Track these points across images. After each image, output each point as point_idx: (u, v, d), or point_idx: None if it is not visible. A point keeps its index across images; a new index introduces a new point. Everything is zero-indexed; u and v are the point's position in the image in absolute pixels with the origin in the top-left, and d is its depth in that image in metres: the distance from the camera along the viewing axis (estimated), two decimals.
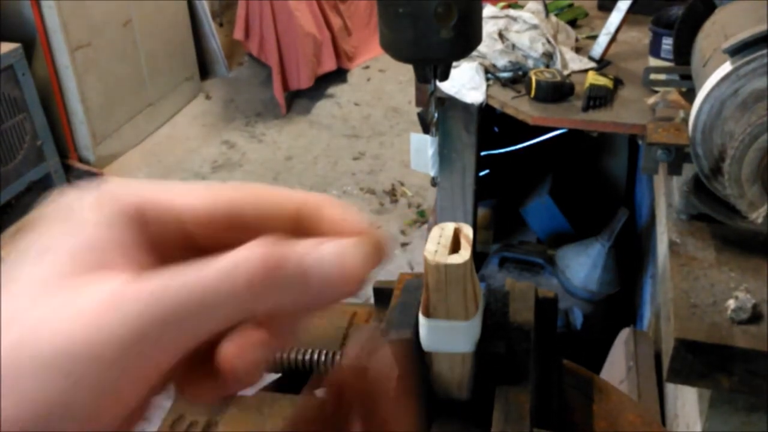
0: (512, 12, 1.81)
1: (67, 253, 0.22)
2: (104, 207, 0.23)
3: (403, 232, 2.78)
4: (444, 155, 1.89)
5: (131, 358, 0.20)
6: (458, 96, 1.68)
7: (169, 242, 0.24)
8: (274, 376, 0.76)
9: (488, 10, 1.81)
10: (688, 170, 1.01)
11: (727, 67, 0.89)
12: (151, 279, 0.21)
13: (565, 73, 1.67)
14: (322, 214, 0.25)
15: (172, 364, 0.21)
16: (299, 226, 0.24)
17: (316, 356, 0.68)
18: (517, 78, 1.68)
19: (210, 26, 3.79)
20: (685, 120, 1.02)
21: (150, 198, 0.24)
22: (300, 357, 0.67)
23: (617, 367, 1.43)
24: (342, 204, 0.25)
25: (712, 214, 1.00)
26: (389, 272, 0.62)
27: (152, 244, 0.24)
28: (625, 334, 1.49)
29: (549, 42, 1.72)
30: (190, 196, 0.24)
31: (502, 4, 1.91)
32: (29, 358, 0.19)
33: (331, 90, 3.83)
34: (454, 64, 1.49)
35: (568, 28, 1.89)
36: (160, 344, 0.20)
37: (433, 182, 1.93)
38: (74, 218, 0.23)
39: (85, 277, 0.21)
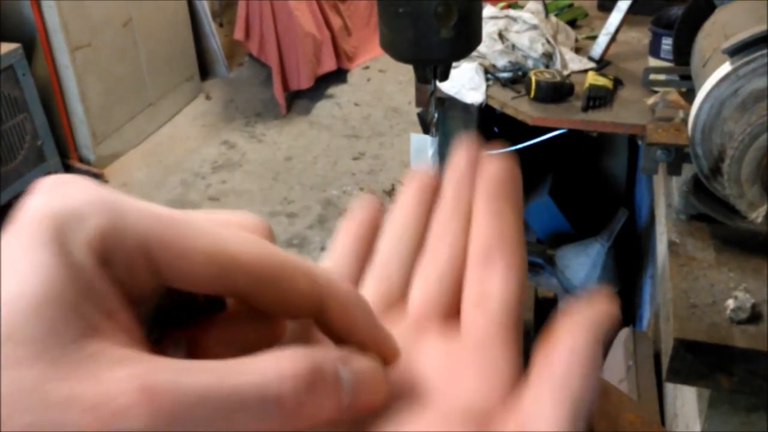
0: (512, 12, 1.81)
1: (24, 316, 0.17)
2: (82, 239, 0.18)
3: None
4: (444, 155, 1.89)
5: None
6: (458, 96, 1.68)
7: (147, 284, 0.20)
8: None
9: (488, 11, 1.82)
10: (688, 170, 1.01)
11: (726, 67, 0.89)
12: (167, 371, 0.18)
13: (565, 73, 1.67)
14: (341, 312, 0.22)
15: None
16: (311, 312, 0.21)
17: None
18: (516, 78, 1.68)
19: (210, 26, 3.79)
20: (685, 120, 1.02)
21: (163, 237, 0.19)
22: None
23: (617, 367, 1.43)
24: (364, 307, 0.22)
25: (711, 214, 1.00)
26: None
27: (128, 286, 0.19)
28: (624, 334, 1.49)
29: (549, 42, 1.72)
30: (239, 245, 0.20)
31: (501, 4, 1.91)
32: None
33: (331, 90, 3.83)
34: (454, 64, 1.49)
35: (568, 28, 1.89)
36: None
37: None
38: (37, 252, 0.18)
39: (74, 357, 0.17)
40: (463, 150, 0.28)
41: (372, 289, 0.26)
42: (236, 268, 0.20)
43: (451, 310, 0.25)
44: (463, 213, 0.26)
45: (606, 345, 0.21)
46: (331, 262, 0.27)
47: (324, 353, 0.19)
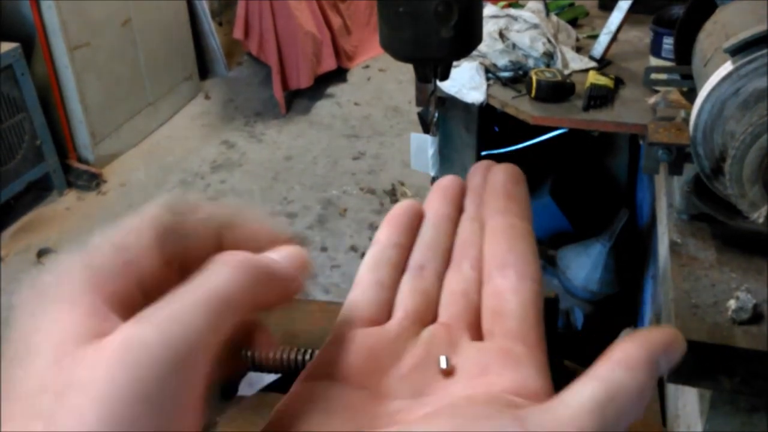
0: (513, 11, 1.80)
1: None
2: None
3: None
4: (444, 155, 1.89)
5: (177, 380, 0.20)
6: (458, 96, 1.67)
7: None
8: (274, 376, 0.75)
9: (489, 10, 1.81)
10: (689, 170, 1.01)
11: (728, 66, 0.89)
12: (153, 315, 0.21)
13: (566, 72, 1.67)
14: (240, 229, 0.26)
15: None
16: (219, 242, 0.25)
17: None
18: (517, 77, 1.68)
19: (209, 25, 3.78)
20: (686, 120, 1.01)
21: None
22: (300, 357, 0.67)
23: None
24: (256, 216, 0.26)
25: (713, 214, 1.00)
26: None
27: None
28: (626, 334, 1.49)
29: (549, 41, 1.72)
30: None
31: (502, 3, 1.91)
32: None
33: (330, 89, 3.82)
34: (455, 63, 1.48)
35: (569, 27, 1.88)
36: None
37: (434, 182, 1.93)
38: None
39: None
40: (478, 166, 0.31)
41: (411, 302, 0.28)
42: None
43: (475, 320, 0.27)
44: (482, 224, 0.29)
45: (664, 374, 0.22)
46: (377, 248, 0.29)
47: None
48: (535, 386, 0.23)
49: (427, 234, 0.29)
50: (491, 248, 0.28)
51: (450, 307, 0.27)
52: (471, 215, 0.30)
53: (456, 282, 0.28)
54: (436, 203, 0.30)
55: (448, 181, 0.31)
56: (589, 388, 0.21)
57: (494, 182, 0.29)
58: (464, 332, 0.26)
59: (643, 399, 0.21)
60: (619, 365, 0.21)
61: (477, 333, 0.26)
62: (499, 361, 0.24)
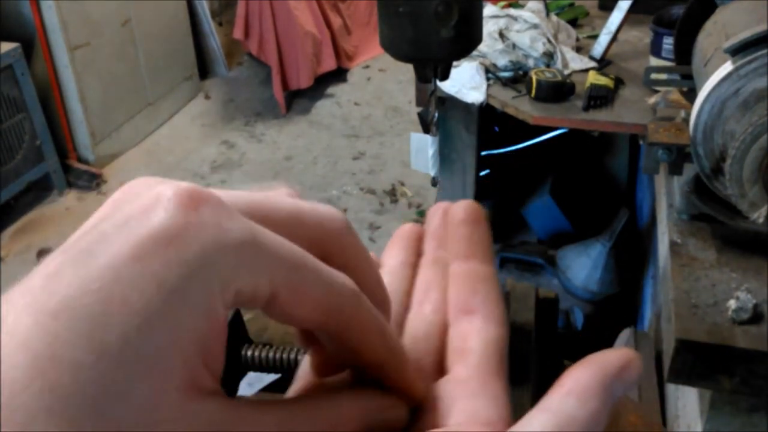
0: (513, 11, 1.80)
1: None
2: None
3: None
4: (444, 155, 1.89)
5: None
6: (459, 96, 1.67)
7: None
8: (273, 377, 0.75)
9: (489, 10, 1.81)
10: (689, 170, 1.01)
11: (728, 66, 0.89)
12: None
13: (566, 72, 1.67)
14: (395, 370, 0.24)
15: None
16: (376, 364, 0.24)
17: None
18: (517, 77, 1.68)
19: (209, 25, 3.78)
20: (686, 120, 1.01)
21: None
22: (300, 357, 0.67)
23: None
24: (411, 369, 0.25)
25: (713, 214, 1.00)
26: None
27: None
28: (625, 334, 1.49)
29: (549, 41, 1.72)
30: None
31: (502, 3, 1.91)
32: None
33: (331, 90, 3.82)
34: (455, 63, 1.49)
35: (569, 27, 1.88)
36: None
37: (434, 182, 1.93)
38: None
39: None
40: (436, 207, 0.31)
41: None
42: (337, 319, 0.22)
43: (437, 363, 0.27)
44: (443, 265, 0.29)
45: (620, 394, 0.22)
46: None
47: (369, 407, 0.23)
48: (488, 415, 0.23)
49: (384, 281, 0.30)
50: (454, 294, 0.27)
51: (410, 352, 0.27)
52: (431, 259, 0.30)
53: (417, 326, 0.27)
54: (393, 252, 0.30)
55: (405, 229, 0.31)
56: (538, 421, 0.20)
57: (454, 224, 0.29)
58: (425, 374, 0.26)
59: (597, 427, 0.20)
60: (570, 394, 0.21)
61: (439, 376, 0.26)
62: (452, 392, 0.24)
